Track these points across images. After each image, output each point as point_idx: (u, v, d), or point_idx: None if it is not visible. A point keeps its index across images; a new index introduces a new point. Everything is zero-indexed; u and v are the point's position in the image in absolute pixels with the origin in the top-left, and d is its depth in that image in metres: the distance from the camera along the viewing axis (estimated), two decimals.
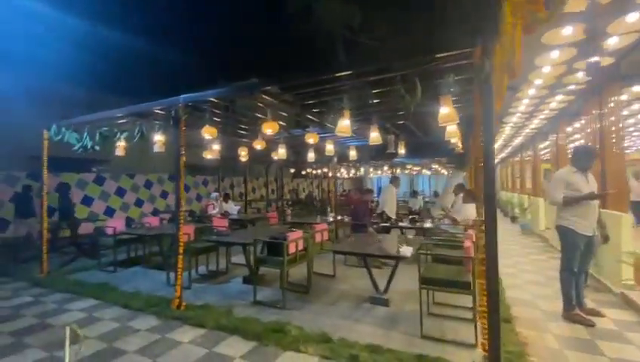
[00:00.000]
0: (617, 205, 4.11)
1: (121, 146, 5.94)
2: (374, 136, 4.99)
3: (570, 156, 3.64)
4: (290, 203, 16.30)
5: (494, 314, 2.41)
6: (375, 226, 6.29)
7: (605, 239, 3.75)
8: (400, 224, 6.25)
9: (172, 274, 4.94)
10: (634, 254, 3.86)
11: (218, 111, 4.99)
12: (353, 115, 4.63)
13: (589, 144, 4.69)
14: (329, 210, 8.19)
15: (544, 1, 1.85)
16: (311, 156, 7.81)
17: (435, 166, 16.89)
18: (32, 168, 8.24)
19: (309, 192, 20.20)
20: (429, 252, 3.66)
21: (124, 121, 5.55)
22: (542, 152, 10.21)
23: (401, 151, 7.03)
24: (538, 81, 4.19)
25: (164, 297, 4.25)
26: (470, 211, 5.52)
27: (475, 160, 6.83)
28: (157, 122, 5.03)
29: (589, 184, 3.49)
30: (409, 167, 16.52)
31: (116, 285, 4.80)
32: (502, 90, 2.56)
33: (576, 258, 3.44)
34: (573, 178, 3.50)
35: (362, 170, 14.29)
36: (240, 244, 4.70)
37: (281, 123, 5.26)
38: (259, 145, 6.12)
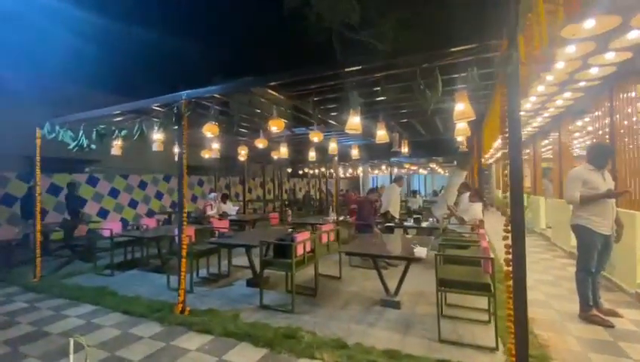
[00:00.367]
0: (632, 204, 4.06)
1: (117, 145, 5.74)
2: (381, 134, 4.89)
3: (586, 154, 3.56)
4: (287, 203, 16.13)
5: (522, 318, 2.31)
6: (379, 226, 6.19)
7: (618, 238, 3.68)
8: (405, 224, 6.15)
9: (173, 278, 4.78)
10: None
11: (218, 108, 4.83)
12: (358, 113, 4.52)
13: (605, 141, 4.63)
14: (331, 209, 8.07)
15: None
16: (312, 155, 7.67)
17: (432, 165, 16.89)
18: (21, 168, 7.99)
19: (307, 192, 20.05)
20: (445, 253, 3.54)
21: (120, 119, 5.35)
22: (541, 150, 10.21)
23: (405, 149, 6.94)
24: (550, 77, 4.12)
25: (166, 302, 4.07)
26: (477, 210, 5.45)
27: (478, 158, 6.82)
28: (156, 120, 4.84)
29: (605, 182, 3.43)
30: (406, 166, 16.48)
31: (115, 289, 4.60)
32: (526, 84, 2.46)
33: (593, 257, 3.37)
34: (590, 176, 3.42)
35: (361, 169, 14.20)
36: (246, 246, 4.54)
37: (284, 121, 5.12)
38: (261, 144, 5.97)
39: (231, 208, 8.78)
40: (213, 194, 8.50)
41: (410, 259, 3.59)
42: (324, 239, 4.81)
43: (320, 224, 5.88)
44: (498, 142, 7.02)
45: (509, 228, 2.36)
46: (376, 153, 9.73)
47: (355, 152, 7.40)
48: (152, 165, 12.24)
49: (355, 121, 3.71)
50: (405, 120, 6.36)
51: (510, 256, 2.36)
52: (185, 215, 3.90)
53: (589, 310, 3.42)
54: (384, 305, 3.90)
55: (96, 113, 4.81)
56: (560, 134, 7.10)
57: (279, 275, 4.72)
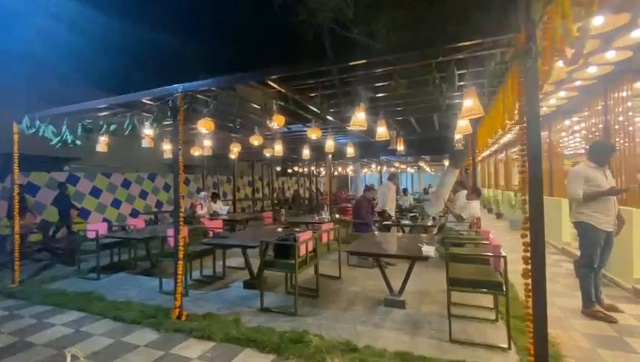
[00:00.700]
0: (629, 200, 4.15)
1: (103, 142, 5.43)
2: (381, 131, 4.80)
3: (587, 152, 3.60)
4: (276, 201, 15.92)
5: (541, 317, 2.27)
6: (377, 225, 6.12)
7: (617, 232, 3.74)
8: (403, 222, 6.11)
9: (165, 281, 4.56)
10: None
11: (214, 103, 4.63)
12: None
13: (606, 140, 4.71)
14: (325, 208, 7.96)
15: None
16: (306, 153, 7.54)
17: (420, 164, 17.06)
18: None
19: (296, 191, 19.87)
20: (449, 251, 3.49)
21: (106, 113, 5.06)
22: None
23: (400, 147, 6.91)
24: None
25: (160, 306, 3.85)
26: (475, 208, 5.47)
27: (473, 156, 6.86)
28: (147, 115, 4.59)
29: (607, 179, 3.47)
30: (396, 164, 16.58)
31: (102, 294, 4.33)
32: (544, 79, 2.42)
33: (597, 254, 3.40)
34: (592, 173, 3.45)
35: (351, 168, 14.15)
36: (245, 247, 4.36)
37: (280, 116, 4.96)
38: (256, 141, 5.79)
39: (221, 207, 8.53)
40: (203, 194, 8.23)
41: (417, 258, 3.52)
42: (325, 238, 4.70)
43: (317, 223, 5.77)
44: (499, 135, 7.09)
45: (528, 225, 2.32)
46: (369, 151, 9.69)
47: (349, 150, 7.31)
48: (136, 163, 11.79)
49: (360, 117, 3.61)
50: (401, 118, 6.32)
51: (529, 254, 2.32)
52: (167, 215, 3.70)
53: (592, 306, 3.45)
54: (388, 304, 3.82)
55: (81, 107, 4.51)
56: (550, 133, 7.25)
57: (277, 276, 4.58)
